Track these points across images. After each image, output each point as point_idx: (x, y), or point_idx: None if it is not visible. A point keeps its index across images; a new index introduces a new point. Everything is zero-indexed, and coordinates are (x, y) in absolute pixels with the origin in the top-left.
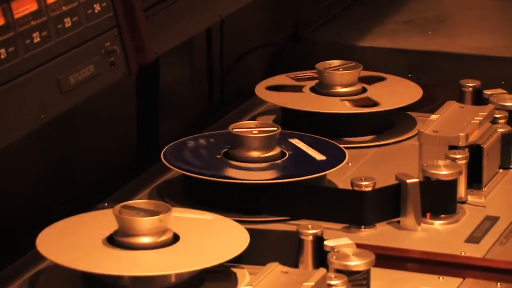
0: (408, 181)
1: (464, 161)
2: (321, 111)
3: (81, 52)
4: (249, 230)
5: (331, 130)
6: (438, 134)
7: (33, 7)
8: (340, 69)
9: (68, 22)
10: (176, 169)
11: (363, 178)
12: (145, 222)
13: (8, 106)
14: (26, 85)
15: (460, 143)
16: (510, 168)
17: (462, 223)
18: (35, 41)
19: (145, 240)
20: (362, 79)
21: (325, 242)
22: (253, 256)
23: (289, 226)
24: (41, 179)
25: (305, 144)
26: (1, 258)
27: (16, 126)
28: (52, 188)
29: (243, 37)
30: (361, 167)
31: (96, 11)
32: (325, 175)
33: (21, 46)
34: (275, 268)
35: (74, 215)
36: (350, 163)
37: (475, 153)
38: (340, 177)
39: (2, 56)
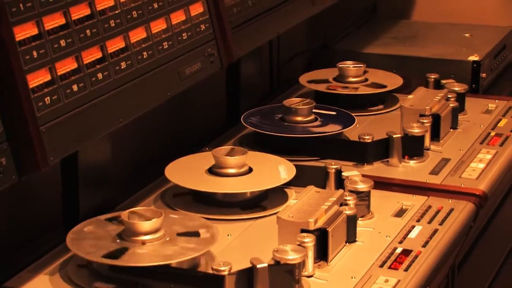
0: (394, 136)
1: (428, 124)
2: (339, 92)
3: (192, 54)
4: (295, 165)
5: (346, 104)
6: (412, 107)
7: (163, 26)
8: (351, 67)
9: (185, 35)
10: (250, 127)
11: (366, 134)
12: (231, 160)
13: (148, 87)
14: (159, 74)
15: (427, 112)
16: (457, 129)
17: (427, 162)
18: (165, 47)
19: (231, 171)
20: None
21: (342, 173)
22: (297, 181)
23: (319, 163)
24: (168, 130)
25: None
26: (140, 181)
27: (153, 99)
28: (175, 138)
29: (291, 46)
30: (365, 127)
31: (202, 29)
32: (342, 132)
33: (155, 51)
34: (311, 190)
35: (188, 155)
36: (357, 125)
37: (436, 118)
38: (351, 133)
39: (145, 56)
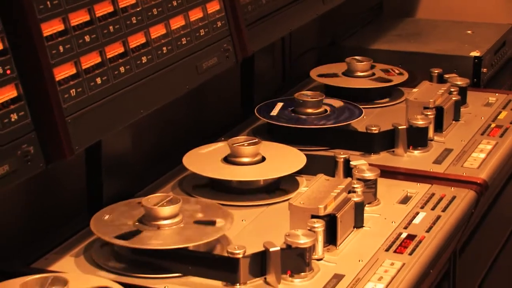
0: (399, 127)
1: (432, 116)
2: (347, 86)
3: (209, 49)
4: (306, 155)
5: (354, 97)
6: (417, 100)
7: (182, 22)
8: (359, 62)
9: (202, 32)
10: (263, 119)
11: (373, 125)
12: (245, 149)
13: (167, 81)
14: (178, 68)
15: (430, 105)
16: (459, 120)
17: (431, 152)
18: (183, 43)
19: (245, 159)
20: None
21: (351, 162)
22: (308, 170)
23: (329, 153)
24: (186, 121)
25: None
26: (158, 170)
27: (172, 92)
28: (192, 129)
29: (302, 42)
30: (371, 119)
31: (218, 26)
32: (350, 123)
33: (175, 46)
34: (321, 177)
35: (204, 145)
36: (365, 117)
37: (439, 111)
38: (359, 124)
39: (165, 51)
